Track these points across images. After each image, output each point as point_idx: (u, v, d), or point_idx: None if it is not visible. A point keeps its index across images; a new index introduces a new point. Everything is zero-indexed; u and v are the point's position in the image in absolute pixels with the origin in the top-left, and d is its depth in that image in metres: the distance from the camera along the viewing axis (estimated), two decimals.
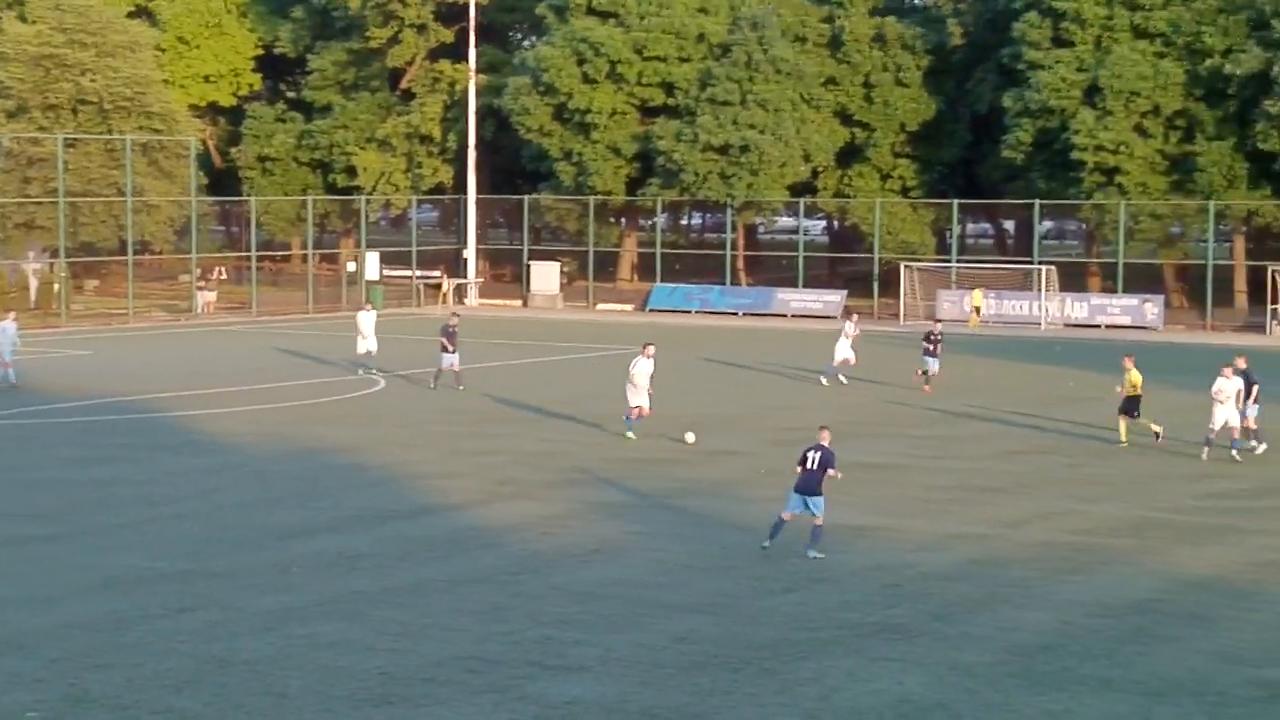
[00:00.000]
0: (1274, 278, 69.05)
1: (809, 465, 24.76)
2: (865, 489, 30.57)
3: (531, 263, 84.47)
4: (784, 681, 18.29)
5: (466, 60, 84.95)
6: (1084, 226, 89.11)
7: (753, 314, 76.95)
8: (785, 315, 76.37)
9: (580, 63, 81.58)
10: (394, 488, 30.40)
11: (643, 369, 36.82)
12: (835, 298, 77.94)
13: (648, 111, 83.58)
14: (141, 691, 17.77)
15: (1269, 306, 69.08)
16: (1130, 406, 36.66)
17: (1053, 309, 72.01)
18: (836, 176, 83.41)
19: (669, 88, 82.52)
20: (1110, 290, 75.26)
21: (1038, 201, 75.98)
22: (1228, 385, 34.10)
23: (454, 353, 45.44)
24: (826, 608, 21.66)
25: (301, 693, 17.72)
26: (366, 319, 49.94)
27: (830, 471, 24.77)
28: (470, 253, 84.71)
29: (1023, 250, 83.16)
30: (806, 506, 24.69)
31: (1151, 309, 71.49)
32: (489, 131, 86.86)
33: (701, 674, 18.55)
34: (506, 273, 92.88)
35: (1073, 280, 77.06)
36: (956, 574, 23.80)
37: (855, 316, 51.61)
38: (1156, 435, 36.32)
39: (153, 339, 64.17)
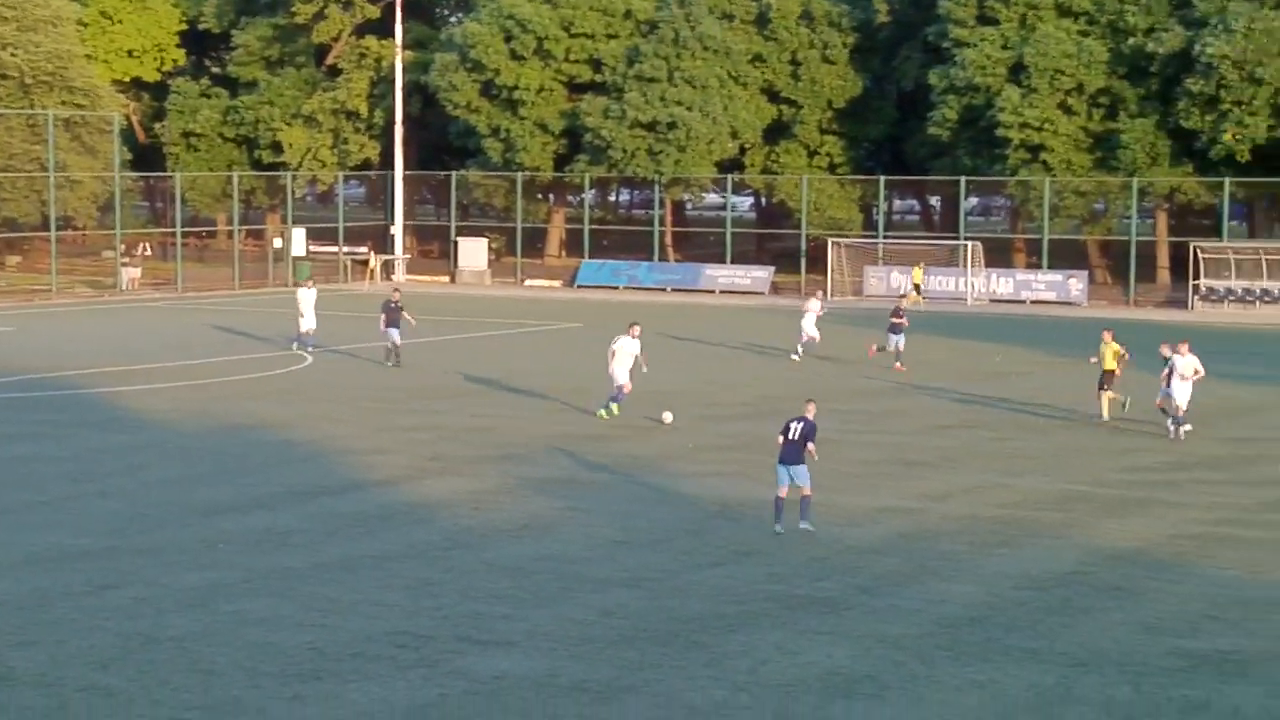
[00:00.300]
0: (1196, 253, 69.70)
1: (790, 436, 24.75)
2: None
3: (459, 239, 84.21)
4: (713, 654, 18.36)
5: (393, 36, 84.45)
6: (1009, 203, 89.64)
7: (680, 290, 77.01)
8: (713, 291, 76.49)
9: (508, 39, 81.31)
10: (323, 464, 30.29)
11: (625, 347, 36.44)
12: (763, 274, 78.14)
13: (575, 88, 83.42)
14: (66, 669, 17.65)
15: (1191, 282, 69.73)
16: (1105, 381, 36.86)
17: (978, 285, 72.42)
18: (764, 153, 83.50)
19: (596, 64, 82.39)
20: (1035, 266, 75.77)
21: (964, 178, 76.34)
22: (1183, 362, 33.90)
23: (397, 328, 45.39)
24: (755, 581, 21.74)
25: (229, 669, 17.65)
26: (307, 296, 49.52)
27: (809, 446, 24.73)
28: (397, 229, 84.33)
29: (949, 227, 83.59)
30: (791, 478, 24.66)
31: (1076, 285, 72.00)
32: (416, 108, 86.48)
33: (630, 648, 18.59)
34: (434, 249, 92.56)
35: (998, 256, 77.52)
36: (884, 547, 23.95)
37: (821, 294, 51.57)
38: (1123, 405, 36.48)
39: (76, 315, 63.59)
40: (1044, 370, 46.76)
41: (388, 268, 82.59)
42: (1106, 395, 36.72)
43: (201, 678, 17.37)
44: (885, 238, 78.82)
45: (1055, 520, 25.90)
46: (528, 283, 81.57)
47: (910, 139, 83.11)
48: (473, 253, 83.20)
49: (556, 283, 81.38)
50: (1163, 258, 77.36)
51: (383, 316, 45.85)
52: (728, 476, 29.37)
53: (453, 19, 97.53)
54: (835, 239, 76.36)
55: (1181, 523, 25.80)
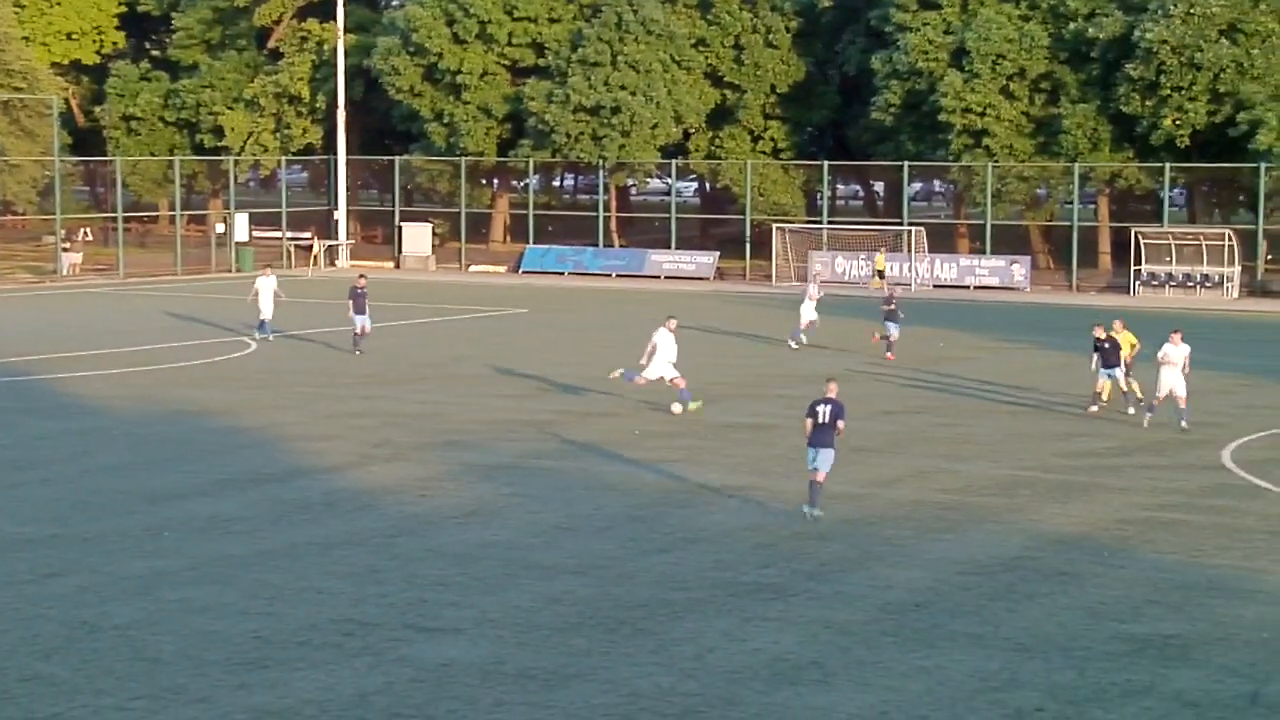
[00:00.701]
0: (1137, 239, 70.12)
1: (820, 419, 24.63)
2: (739, 449, 30.78)
3: (403, 224, 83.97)
4: (659, 641, 18.38)
5: (335, 19, 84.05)
6: (952, 188, 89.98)
7: (625, 275, 77.00)
8: (658, 277, 76.51)
9: (450, 23, 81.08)
10: (267, 450, 30.15)
11: (663, 340, 35.72)
12: (708, 259, 78.21)
13: (518, 72, 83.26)
14: (9, 658, 17.53)
15: (1132, 267, 70.17)
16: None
17: (922, 270, 72.67)
18: (708, 138, 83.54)
19: (539, 48, 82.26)
20: (978, 251, 76.08)
21: (906, 163, 76.57)
22: (1174, 351, 33.50)
23: (364, 314, 45.16)
24: (701, 568, 21.77)
25: (174, 657, 17.56)
26: (266, 283, 49.01)
27: (839, 424, 24.57)
28: (341, 214, 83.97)
29: (892, 212, 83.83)
30: (815, 460, 24.55)
31: (1019, 270, 72.35)
32: (358, 92, 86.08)
33: (577, 635, 18.59)
34: (378, 234, 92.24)
35: (941, 241, 77.82)
36: (830, 533, 24.00)
37: (818, 278, 51.27)
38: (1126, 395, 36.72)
39: (16, 301, 63.09)
40: (989, 355, 46.95)
41: (331, 253, 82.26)
42: (1108, 382, 36.73)
43: (146, 666, 17.28)
44: (829, 223, 78.99)
45: (1000, 505, 26.02)
46: (472, 268, 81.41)
47: (853, 124, 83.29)
48: (417, 238, 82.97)
49: (501, 268, 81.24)
50: (1104, 243, 77.85)
51: (350, 303, 45.59)
52: (674, 462, 29.39)
53: (395, 2, 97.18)
54: (779, 224, 76.47)
55: (1125, 507, 25.97)
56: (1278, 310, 61.90)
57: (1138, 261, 70.07)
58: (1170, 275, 69.50)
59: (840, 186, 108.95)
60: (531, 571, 21.45)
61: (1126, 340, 36.80)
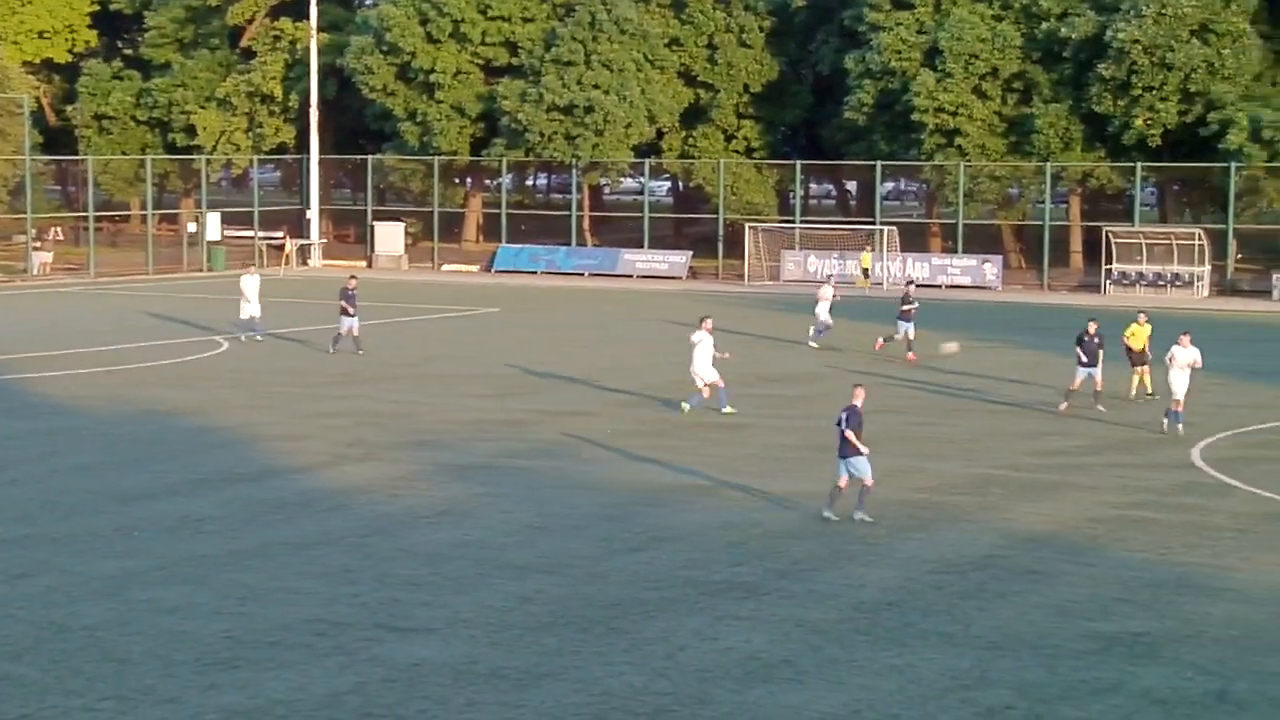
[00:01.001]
0: (1108, 238, 70.34)
1: (841, 427, 24.71)
2: (711, 448, 30.81)
3: (376, 223, 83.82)
4: (632, 640, 18.40)
5: (308, 18, 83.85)
6: (924, 187, 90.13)
7: (598, 275, 76.96)
8: (631, 276, 76.48)
9: (424, 22, 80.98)
10: (240, 450, 30.10)
11: (702, 341, 35.51)
12: (680, 258, 78.22)
13: (492, 71, 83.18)
14: None
15: (1103, 266, 70.39)
16: (1135, 360, 37.18)
17: (894, 269, 72.79)
18: (681, 137, 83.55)
19: (513, 48, 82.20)
20: (950, 251, 76.23)
21: (879, 162, 76.66)
22: (1182, 354, 33.20)
23: (354, 315, 44.94)
24: (673, 567, 21.79)
25: (144, 658, 17.53)
26: (250, 282, 48.63)
27: (848, 433, 24.49)
28: (313, 213, 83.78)
29: (865, 211, 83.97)
30: (849, 470, 24.62)
31: (990, 269, 72.50)
32: (331, 91, 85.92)
33: (549, 634, 18.60)
34: (350, 233, 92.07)
35: (914, 240, 77.96)
36: (802, 532, 24.05)
37: (834, 279, 51.14)
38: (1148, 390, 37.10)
39: None
40: (962, 354, 46.96)
41: (303, 253, 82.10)
42: (1136, 374, 36.97)
43: (115, 667, 17.24)
44: (802, 222, 79.07)
45: (971, 504, 26.09)
46: (445, 268, 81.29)
47: (826, 123, 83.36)
48: (389, 237, 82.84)
49: (474, 268, 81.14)
50: (1076, 242, 78.08)
51: (341, 304, 45.39)
52: (647, 461, 29.41)
53: (368, 1, 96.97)
54: (752, 223, 76.54)
55: (1095, 506, 26.06)
56: (1248, 309, 62.13)
57: (1109, 261, 70.27)
58: (1141, 274, 69.70)
59: (813, 186, 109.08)
60: (504, 571, 21.46)
61: (1143, 335, 36.96)
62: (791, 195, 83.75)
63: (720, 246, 78.38)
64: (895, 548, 23.12)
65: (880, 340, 45.64)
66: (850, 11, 79.31)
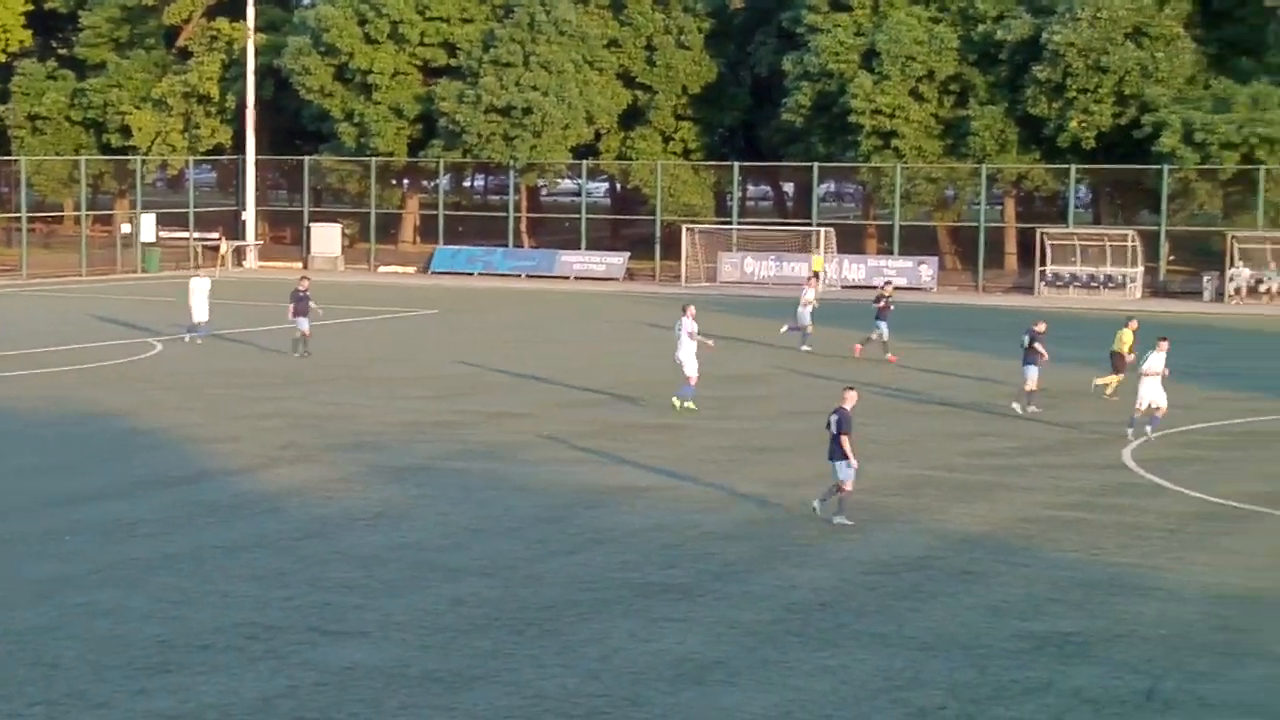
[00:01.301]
0: (1042, 240, 70.79)
1: (830, 429, 24.78)
2: (646, 449, 30.84)
3: (312, 225, 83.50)
4: (566, 642, 18.41)
5: (245, 19, 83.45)
6: (861, 189, 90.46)
7: (535, 276, 76.92)
8: (568, 277, 76.48)
9: (362, 23, 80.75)
10: (173, 452, 29.94)
11: (685, 329, 35.85)
12: (618, 260, 78.26)
13: (430, 72, 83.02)
14: None
15: (1037, 268, 70.83)
16: (1116, 363, 37.51)
17: (831, 270, 73.00)
18: (619, 138, 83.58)
19: (451, 48, 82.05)
20: (886, 252, 76.54)
21: (816, 164, 76.90)
22: (1156, 360, 33.00)
23: (306, 317, 44.70)
24: (608, 568, 21.82)
25: (75, 663, 17.41)
26: (199, 285, 48.27)
27: (841, 437, 24.56)
28: (249, 215, 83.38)
29: (802, 213, 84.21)
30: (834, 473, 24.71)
31: (926, 270, 72.85)
32: (268, 91, 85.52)
33: (483, 636, 18.59)
34: (287, 235, 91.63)
35: (850, 242, 78.20)
36: (737, 533, 24.12)
37: (813, 282, 51.06)
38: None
39: None
40: (897, 355, 47.18)
41: (239, 254, 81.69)
42: (1116, 377, 37.20)
43: (45, 672, 17.12)
44: (739, 224, 79.23)
45: (905, 505, 26.22)
46: (381, 269, 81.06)
47: (764, 125, 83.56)
48: (326, 238, 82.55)
49: (411, 269, 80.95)
50: (1011, 244, 78.52)
51: (291, 306, 45.16)
52: (584, 464, 29.43)
53: (306, 2, 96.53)
54: (689, 225, 76.64)
55: (1028, 506, 26.24)
56: (1179, 310, 62.60)
57: (1043, 262, 70.72)
58: (1075, 276, 70.19)
59: (751, 187, 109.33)
60: (438, 573, 21.43)
61: (1126, 341, 37.17)
62: (729, 197, 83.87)
63: (658, 248, 78.43)
64: (829, 549, 23.21)
65: (859, 345, 45.55)
66: (788, 14, 79.53)
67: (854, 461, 24.52)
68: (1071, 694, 16.90)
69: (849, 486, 24.68)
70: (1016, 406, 35.67)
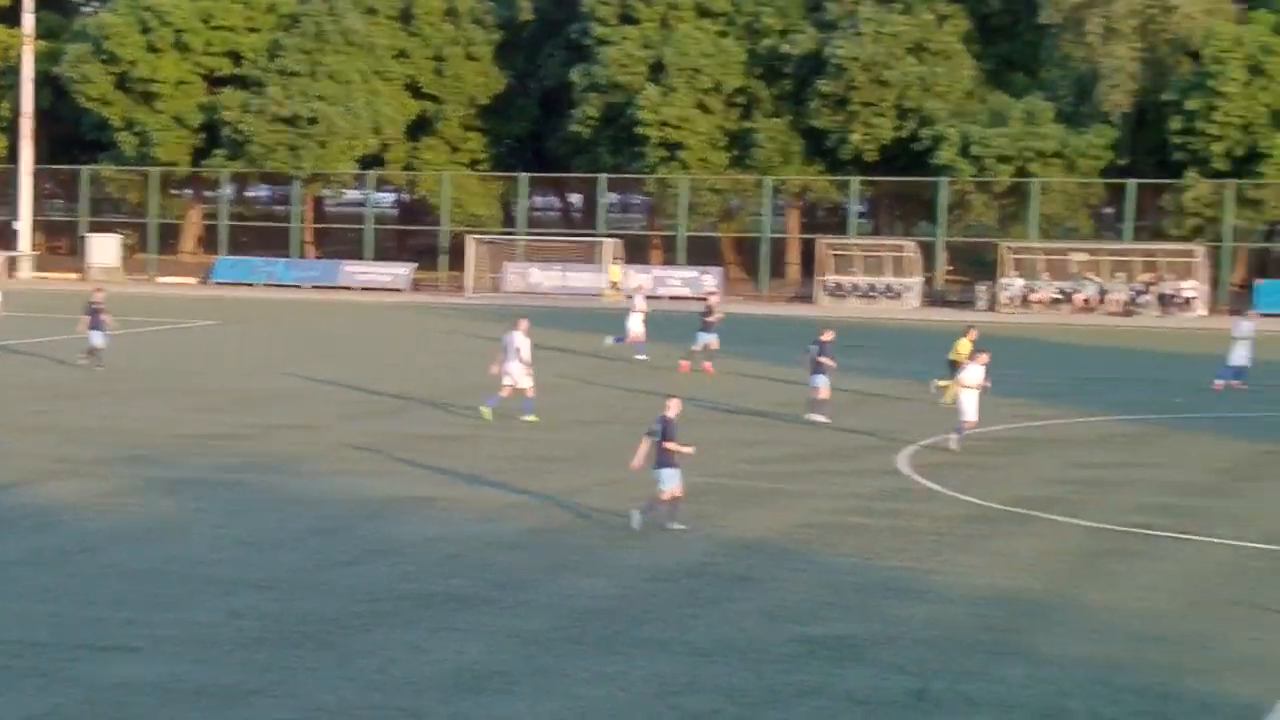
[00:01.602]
0: (823, 250, 71.90)
1: (654, 437, 24.70)
2: (429, 459, 30.72)
3: (89, 235, 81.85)
4: (344, 654, 18.25)
5: (21, 25, 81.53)
6: (648, 200, 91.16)
7: (320, 287, 76.27)
8: (351, 288, 75.93)
9: (145, 30, 79.48)
10: None
11: (517, 343, 35.56)
12: (403, 270, 77.94)
13: (215, 81, 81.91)
14: None
15: (817, 278, 71.91)
16: (952, 369, 37.76)
17: (630, 281, 73.40)
18: (406, 149, 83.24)
19: (236, 58, 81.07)
20: (671, 262, 77.13)
21: (603, 175, 77.30)
22: (976, 374, 33.23)
23: (100, 330, 43.68)
24: (388, 579, 21.67)
25: None
26: None
27: (669, 445, 24.55)
28: (22, 224, 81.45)
29: (588, 223, 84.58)
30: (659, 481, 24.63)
31: (710, 281, 73.55)
32: (46, 100, 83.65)
33: (259, 650, 18.35)
34: (63, 245, 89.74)
35: (636, 252, 78.75)
36: (518, 542, 24.11)
37: (642, 291, 50.98)
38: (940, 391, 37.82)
39: None
40: (667, 368, 47.61)
41: (12, 264, 79.78)
42: (955, 383, 37.54)
43: None
44: (526, 234, 79.33)
45: (687, 512, 26.31)
46: (161, 280, 79.74)
47: (552, 136, 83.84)
48: (104, 249, 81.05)
49: (192, 280, 79.75)
50: (794, 254, 79.68)
51: (85, 318, 44.16)
52: (363, 475, 29.22)
53: (87, 8, 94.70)
54: (475, 235, 76.53)
55: (806, 512, 26.59)
56: (954, 319, 63.90)
57: (822, 272, 71.80)
58: (855, 285, 71.38)
59: (539, 198, 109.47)
60: (213, 587, 21.10)
61: (964, 350, 37.65)
62: (513, 207, 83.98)
63: (446, 259, 78.23)
64: (610, 557, 23.30)
65: (685, 362, 45.66)
66: (577, 26, 79.86)
67: (688, 454, 24.74)
68: (844, 696, 17.16)
69: (679, 493, 24.77)
70: (812, 416, 36.12)
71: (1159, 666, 18.21)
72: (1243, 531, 25.40)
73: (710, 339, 45.64)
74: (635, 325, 47.83)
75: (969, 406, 33.10)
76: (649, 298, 51.76)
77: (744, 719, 16.50)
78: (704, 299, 49.16)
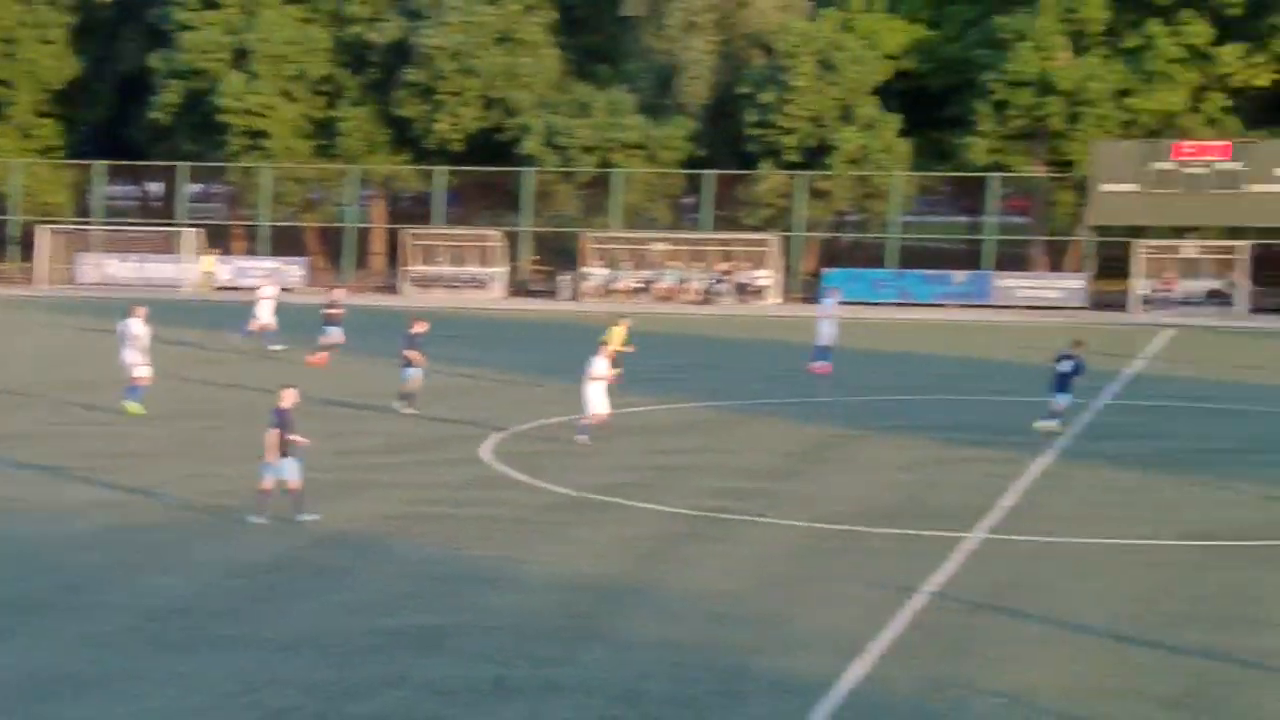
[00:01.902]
0: (407, 240, 71.86)
1: (273, 430, 24.26)
2: (18, 456, 29.63)
3: None
4: None
5: None
6: (231, 189, 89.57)
7: None
8: None
9: None
10: None
11: (132, 330, 34.44)
12: None
13: None
14: None
15: (400, 268, 71.84)
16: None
17: (196, 272, 72.06)
18: None
19: None
20: (255, 253, 76.00)
21: (183, 164, 75.65)
22: (601, 366, 32.92)
23: None
24: None
25: None
26: None
27: (289, 436, 24.45)
28: None
29: (169, 213, 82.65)
30: (274, 473, 24.33)
31: (295, 271, 72.70)
32: None
33: None
34: None
35: (219, 242, 77.28)
36: (92, 543, 23.44)
37: (274, 277, 49.67)
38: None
39: None
40: (253, 358, 46.98)
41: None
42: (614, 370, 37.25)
43: None
44: (103, 224, 77.04)
45: (273, 507, 26.00)
46: None
47: (132, 123, 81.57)
48: None
49: None
50: (379, 244, 79.33)
51: None
52: None
53: None
54: (47, 225, 74.00)
55: (390, 503, 26.53)
56: (538, 309, 64.69)
57: (408, 262, 71.75)
58: (440, 275, 71.53)
59: (118, 187, 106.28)
60: None
61: (617, 337, 37.50)
62: (88, 196, 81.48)
63: (16, 250, 75.44)
64: (187, 554, 22.83)
65: (318, 356, 45.08)
66: (157, 10, 77.89)
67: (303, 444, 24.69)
68: (425, 686, 17.18)
69: (296, 484, 24.60)
70: (399, 406, 36.07)
71: (734, 646, 18.75)
72: (813, 512, 26.36)
73: (336, 332, 45.53)
74: (265, 314, 47.56)
75: (596, 400, 33.12)
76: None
77: (324, 713, 16.38)
78: (328, 291, 49.03)
